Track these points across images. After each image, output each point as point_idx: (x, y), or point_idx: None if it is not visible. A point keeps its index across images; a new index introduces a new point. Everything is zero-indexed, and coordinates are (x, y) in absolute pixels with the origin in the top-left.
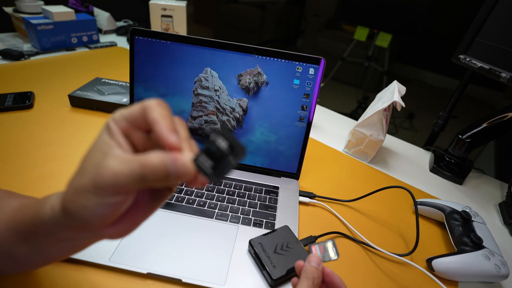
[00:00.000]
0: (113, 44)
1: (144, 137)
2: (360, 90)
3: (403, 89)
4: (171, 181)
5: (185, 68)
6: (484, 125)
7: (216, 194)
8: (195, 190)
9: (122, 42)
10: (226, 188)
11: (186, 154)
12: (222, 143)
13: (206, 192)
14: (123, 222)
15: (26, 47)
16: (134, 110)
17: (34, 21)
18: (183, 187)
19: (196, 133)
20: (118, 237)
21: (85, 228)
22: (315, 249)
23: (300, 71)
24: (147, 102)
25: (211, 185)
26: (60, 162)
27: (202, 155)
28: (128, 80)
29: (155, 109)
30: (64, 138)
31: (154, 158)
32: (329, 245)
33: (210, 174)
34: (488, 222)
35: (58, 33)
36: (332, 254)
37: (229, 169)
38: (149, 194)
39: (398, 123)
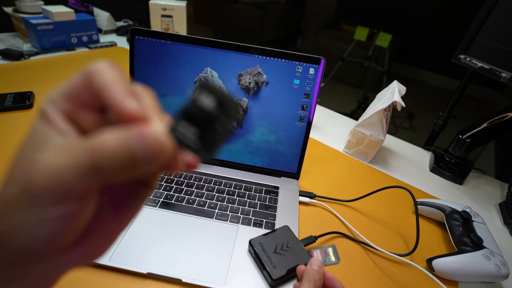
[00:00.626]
0: (113, 44)
1: (99, 119)
2: (360, 90)
3: (403, 89)
4: (141, 168)
5: (185, 68)
6: (484, 125)
7: (216, 194)
8: (195, 190)
9: (122, 42)
10: (226, 188)
11: (156, 124)
12: (207, 101)
13: (206, 192)
14: (88, 242)
15: (26, 47)
16: (76, 82)
17: (34, 21)
18: (183, 186)
19: None
20: (87, 263)
21: (30, 260)
22: (317, 253)
23: (300, 71)
24: (91, 66)
25: (202, 164)
26: None
27: (180, 122)
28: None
29: (103, 72)
30: None
31: (110, 137)
32: (330, 249)
33: (196, 146)
34: (488, 222)
35: (58, 33)
36: (333, 258)
37: (224, 136)
38: (120, 196)
39: (398, 123)
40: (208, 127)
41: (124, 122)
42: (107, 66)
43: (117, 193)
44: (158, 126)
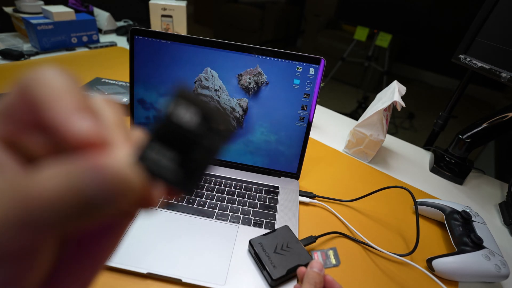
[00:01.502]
0: (113, 44)
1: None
2: (360, 90)
3: (403, 89)
4: (100, 213)
5: (185, 68)
6: (484, 125)
7: (216, 194)
8: (195, 190)
9: (122, 42)
10: (226, 188)
11: (119, 150)
12: (186, 115)
13: (206, 192)
14: None
15: (26, 47)
16: (11, 96)
17: (34, 21)
18: None
19: None
20: None
21: None
22: (317, 255)
23: (300, 71)
24: (29, 74)
25: (184, 196)
26: None
27: (153, 145)
28: (128, 80)
29: (44, 82)
30: None
31: (47, 177)
32: (331, 252)
33: (174, 177)
34: (488, 222)
35: (58, 33)
36: (333, 261)
37: (210, 160)
38: (89, 236)
39: (398, 123)
40: (189, 149)
41: (74, 149)
42: (51, 74)
43: (85, 233)
44: (120, 153)
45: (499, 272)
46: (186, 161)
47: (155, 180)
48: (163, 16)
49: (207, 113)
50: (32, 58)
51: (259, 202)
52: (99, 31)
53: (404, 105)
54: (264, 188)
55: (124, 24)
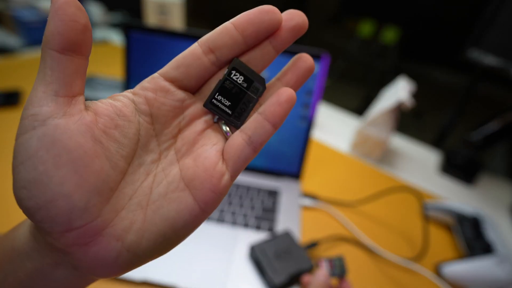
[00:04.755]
0: (106, 40)
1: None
2: (365, 88)
3: (411, 87)
4: None
5: None
6: (496, 125)
7: None
8: None
9: (116, 38)
10: None
11: None
12: (239, 77)
13: None
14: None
15: (13, 42)
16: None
17: (22, 15)
18: None
19: None
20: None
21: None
22: (324, 264)
23: None
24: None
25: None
26: None
27: (216, 94)
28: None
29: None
30: None
31: None
32: (338, 261)
33: (229, 118)
34: (500, 225)
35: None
36: (340, 270)
37: (251, 107)
38: None
39: (405, 122)
40: (239, 98)
41: None
42: None
43: None
44: None
45: None
46: (237, 106)
47: (216, 114)
48: (159, 11)
49: (250, 77)
50: (20, 53)
51: (259, 205)
52: (92, 25)
53: (411, 104)
54: (264, 190)
55: (119, 19)
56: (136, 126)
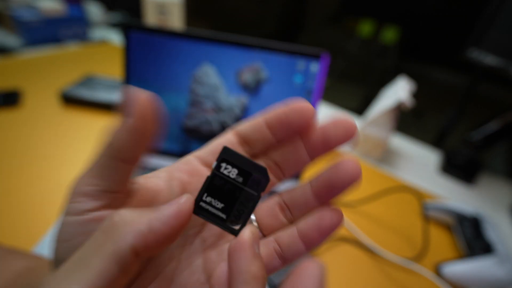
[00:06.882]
0: (105, 39)
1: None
2: (365, 88)
3: (411, 86)
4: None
5: (181, 64)
6: (496, 125)
7: None
8: None
9: (115, 37)
10: None
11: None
12: (232, 171)
13: None
14: None
15: (13, 41)
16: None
17: (22, 15)
18: None
19: (192, 134)
20: None
21: None
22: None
23: (303, 67)
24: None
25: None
26: (49, 162)
27: (204, 195)
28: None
29: None
30: (53, 137)
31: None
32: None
33: (223, 224)
34: (500, 225)
35: (47, 27)
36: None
37: (252, 206)
38: None
39: (405, 122)
40: (234, 198)
41: None
42: None
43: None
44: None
45: None
46: (233, 208)
47: (207, 221)
48: (158, 10)
49: (246, 169)
50: (19, 53)
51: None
52: (91, 25)
53: (411, 104)
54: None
55: (118, 19)
56: None
